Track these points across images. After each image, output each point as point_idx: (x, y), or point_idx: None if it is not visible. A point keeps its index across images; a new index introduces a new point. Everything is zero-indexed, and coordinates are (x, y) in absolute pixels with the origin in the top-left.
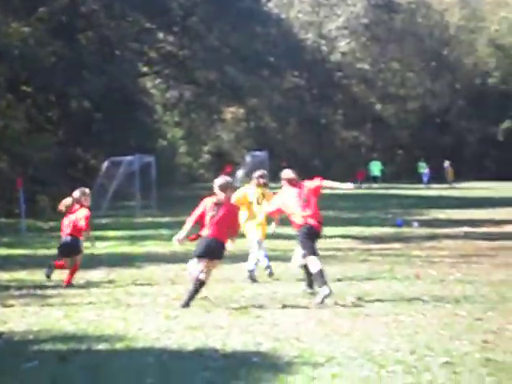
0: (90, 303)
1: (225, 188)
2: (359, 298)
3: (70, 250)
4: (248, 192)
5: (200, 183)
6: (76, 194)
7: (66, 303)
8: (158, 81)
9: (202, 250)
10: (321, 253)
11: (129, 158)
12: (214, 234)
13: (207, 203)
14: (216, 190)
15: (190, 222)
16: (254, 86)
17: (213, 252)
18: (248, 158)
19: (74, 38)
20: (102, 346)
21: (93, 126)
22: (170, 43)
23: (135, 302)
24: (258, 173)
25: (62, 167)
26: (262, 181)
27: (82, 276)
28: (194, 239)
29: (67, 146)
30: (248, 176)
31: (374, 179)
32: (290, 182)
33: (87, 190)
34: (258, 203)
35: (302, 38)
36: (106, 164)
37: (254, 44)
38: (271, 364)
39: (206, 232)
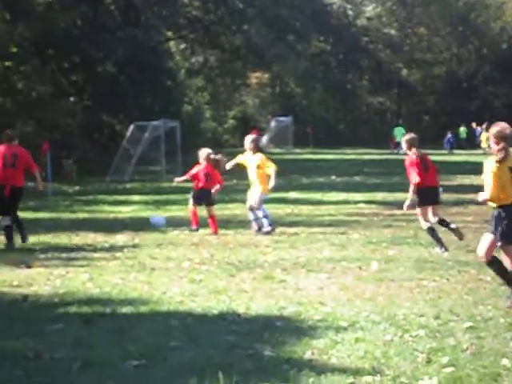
0: (115, 267)
1: None
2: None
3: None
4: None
5: (225, 148)
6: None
7: (90, 266)
8: (182, 46)
9: None
10: (344, 218)
11: (154, 122)
12: None
13: None
14: None
15: None
16: (280, 51)
17: None
18: (273, 124)
19: (100, 2)
20: (126, 310)
21: (117, 91)
22: (196, 8)
23: (159, 266)
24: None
25: (88, 132)
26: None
27: (106, 240)
28: None
29: (93, 111)
30: (273, 141)
31: (399, 145)
32: None
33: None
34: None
35: (328, 2)
36: (131, 129)
37: (279, 9)
38: (295, 328)
39: None
